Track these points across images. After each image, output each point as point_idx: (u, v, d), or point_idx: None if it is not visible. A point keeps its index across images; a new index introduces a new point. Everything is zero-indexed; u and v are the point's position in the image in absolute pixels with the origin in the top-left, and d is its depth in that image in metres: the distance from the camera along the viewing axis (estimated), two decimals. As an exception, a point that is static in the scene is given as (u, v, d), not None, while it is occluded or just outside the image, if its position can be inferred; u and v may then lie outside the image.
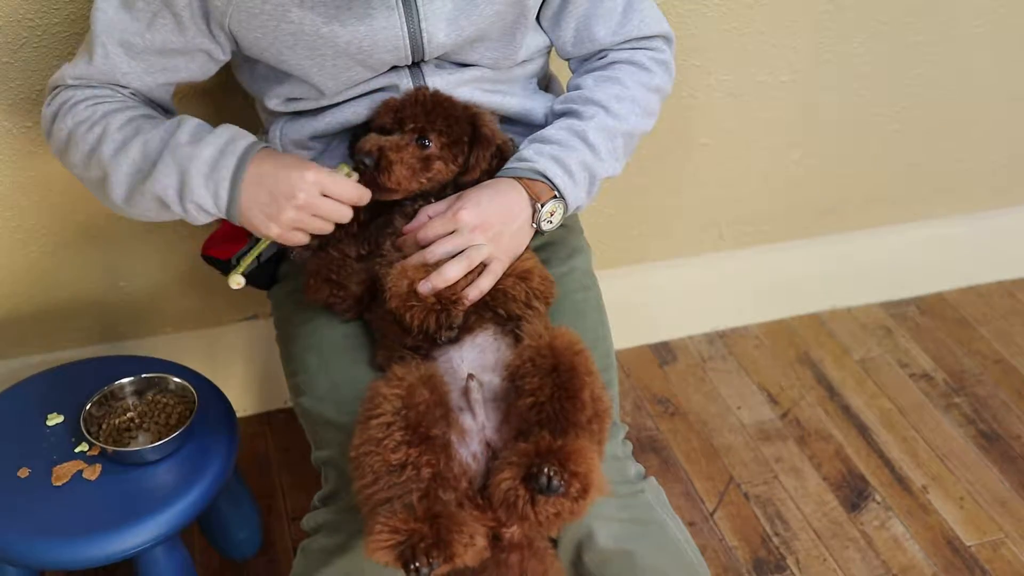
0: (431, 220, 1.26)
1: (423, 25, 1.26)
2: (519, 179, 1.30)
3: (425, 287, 1.19)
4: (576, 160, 1.32)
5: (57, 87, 1.30)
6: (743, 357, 2.26)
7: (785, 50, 1.95)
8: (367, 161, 1.23)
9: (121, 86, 1.29)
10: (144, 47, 1.25)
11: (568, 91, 1.42)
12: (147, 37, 1.24)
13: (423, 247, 1.25)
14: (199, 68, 1.31)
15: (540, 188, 1.30)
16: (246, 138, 1.23)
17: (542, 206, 1.30)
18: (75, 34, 1.51)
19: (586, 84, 1.39)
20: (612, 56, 1.40)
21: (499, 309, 1.23)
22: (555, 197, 1.31)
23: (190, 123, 1.23)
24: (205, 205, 1.21)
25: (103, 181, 1.24)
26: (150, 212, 1.25)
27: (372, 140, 1.25)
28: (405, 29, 1.26)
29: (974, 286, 2.47)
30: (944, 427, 2.09)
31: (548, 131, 1.35)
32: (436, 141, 1.27)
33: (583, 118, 1.35)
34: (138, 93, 1.31)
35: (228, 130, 1.23)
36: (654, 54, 1.41)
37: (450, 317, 1.17)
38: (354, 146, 1.33)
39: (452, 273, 1.20)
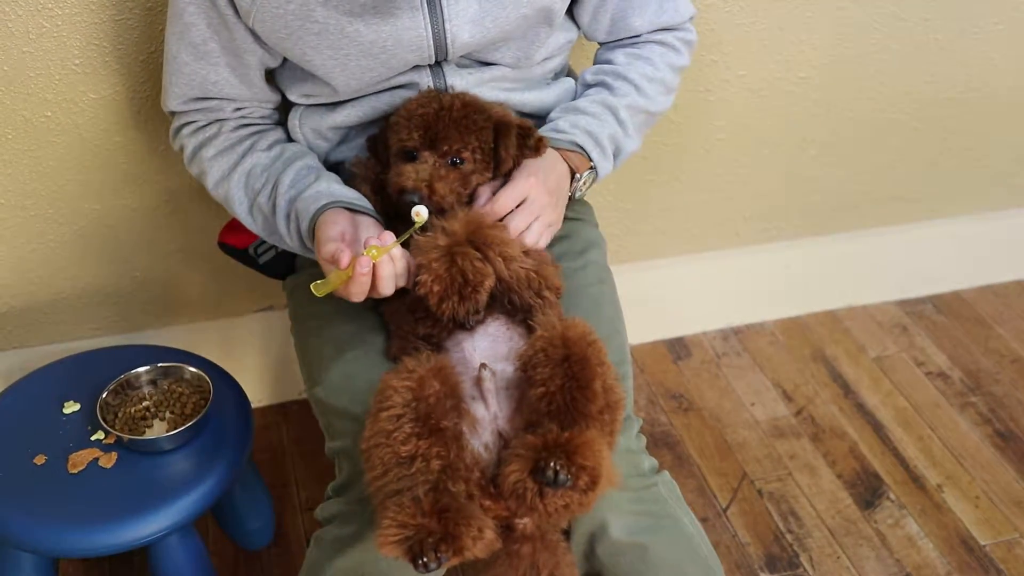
0: (503, 192, 1.27)
1: (447, 26, 1.27)
2: (559, 149, 1.35)
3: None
4: (607, 134, 1.38)
5: (174, 120, 1.40)
6: (758, 354, 2.25)
7: (803, 46, 1.94)
8: (416, 199, 1.21)
9: (220, 100, 1.35)
10: (208, 49, 1.29)
11: (597, 62, 1.48)
12: (207, 35, 1.28)
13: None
14: (259, 60, 1.33)
15: (578, 160, 1.37)
16: (311, 212, 1.27)
17: (580, 176, 1.37)
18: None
19: (618, 60, 1.44)
20: (644, 38, 1.45)
21: (512, 296, 1.22)
22: (591, 168, 1.38)
23: (292, 189, 1.30)
24: None
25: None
26: None
27: (410, 174, 1.23)
28: (429, 29, 1.26)
29: (991, 285, 2.46)
30: (960, 426, 2.08)
31: (582, 103, 1.40)
32: (470, 157, 1.26)
33: (616, 94, 1.41)
34: (239, 104, 1.36)
35: (307, 196, 1.28)
36: (683, 34, 1.47)
37: (478, 300, 1.16)
38: (374, 143, 1.35)
39: (532, 240, 1.26)
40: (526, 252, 1.24)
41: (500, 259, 1.18)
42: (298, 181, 1.31)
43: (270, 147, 1.37)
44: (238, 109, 1.37)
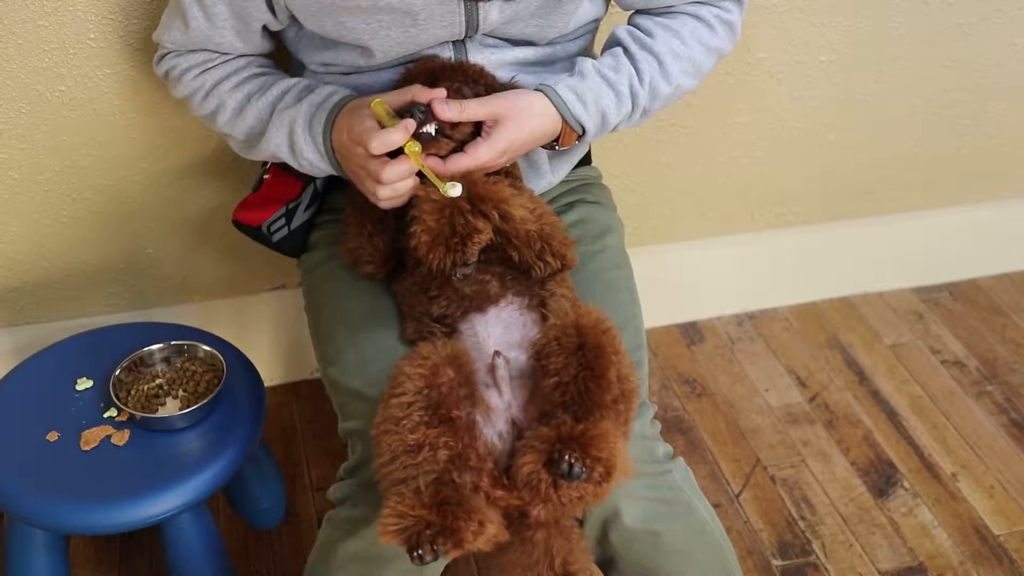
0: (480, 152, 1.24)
1: (480, 3, 1.25)
2: (563, 119, 1.30)
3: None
4: (618, 118, 1.33)
5: (160, 49, 1.38)
6: (772, 339, 2.24)
7: (824, 29, 1.92)
8: (421, 110, 1.21)
9: (214, 50, 1.34)
10: (216, 12, 1.27)
11: (630, 23, 1.40)
12: None
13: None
14: (264, 23, 1.32)
15: (571, 137, 1.32)
16: (342, 92, 1.29)
17: (557, 147, 1.33)
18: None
19: (646, 26, 1.36)
20: (678, 8, 1.38)
21: (511, 252, 1.21)
22: (576, 144, 1.35)
23: (297, 86, 1.31)
24: (313, 159, 1.30)
25: (225, 136, 1.39)
26: (275, 160, 1.37)
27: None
28: (462, 6, 1.25)
29: (1008, 273, 2.44)
30: (975, 415, 2.07)
31: (611, 74, 1.32)
32: (469, 93, 1.28)
33: (640, 73, 1.33)
34: (232, 51, 1.35)
35: (327, 88, 1.30)
36: (720, 12, 1.38)
37: (465, 252, 1.15)
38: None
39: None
40: (538, 216, 1.22)
41: (495, 213, 1.17)
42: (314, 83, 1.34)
43: (262, 65, 1.39)
44: (227, 53, 1.37)
